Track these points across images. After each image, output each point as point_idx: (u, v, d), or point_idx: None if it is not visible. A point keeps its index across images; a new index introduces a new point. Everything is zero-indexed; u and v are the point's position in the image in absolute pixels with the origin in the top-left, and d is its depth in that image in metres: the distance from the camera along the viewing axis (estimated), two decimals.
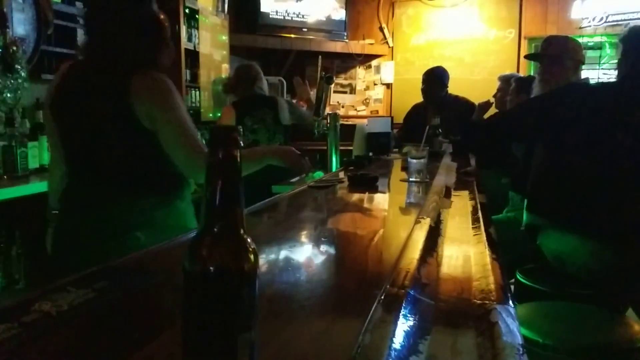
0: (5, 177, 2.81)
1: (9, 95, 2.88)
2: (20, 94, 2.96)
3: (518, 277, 2.41)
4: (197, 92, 4.72)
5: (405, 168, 2.60)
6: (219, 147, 0.54)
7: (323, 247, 1.30)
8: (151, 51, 1.75)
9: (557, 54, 2.94)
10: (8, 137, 2.86)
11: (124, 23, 1.71)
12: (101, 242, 1.64)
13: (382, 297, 0.90)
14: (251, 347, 0.55)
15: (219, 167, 0.54)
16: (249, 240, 0.56)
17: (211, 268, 0.53)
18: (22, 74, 2.97)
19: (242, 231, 0.55)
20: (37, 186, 2.82)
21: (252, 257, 0.55)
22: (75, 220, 1.75)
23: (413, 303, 0.90)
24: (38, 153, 3.04)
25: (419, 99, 4.74)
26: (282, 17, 6.28)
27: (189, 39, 4.50)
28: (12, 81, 2.90)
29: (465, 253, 1.27)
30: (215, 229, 0.54)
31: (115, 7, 1.73)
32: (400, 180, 2.56)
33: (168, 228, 1.65)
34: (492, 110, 4.36)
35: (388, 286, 0.96)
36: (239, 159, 0.55)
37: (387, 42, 6.68)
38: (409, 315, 0.85)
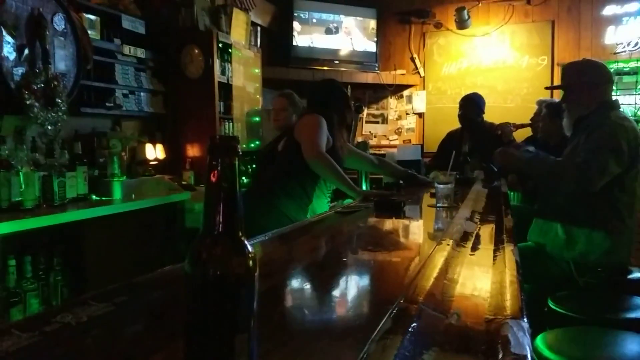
0: (44, 205, 2.91)
1: (49, 127, 3.01)
2: (60, 127, 3.09)
3: (550, 304, 2.36)
4: (231, 124, 4.83)
5: (433, 194, 2.60)
6: (219, 155, 0.57)
7: (342, 267, 1.32)
8: (340, 111, 2.99)
9: (569, 83, 2.91)
10: (47, 167, 2.97)
11: (328, 99, 2.99)
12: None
13: (394, 311, 0.90)
14: (249, 348, 0.57)
15: (218, 174, 0.57)
16: (247, 244, 0.58)
17: (209, 270, 0.55)
18: (62, 107, 3.11)
19: (240, 235, 0.58)
20: (74, 214, 2.92)
21: (249, 260, 0.57)
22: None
23: (424, 317, 0.91)
24: (76, 183, 3.15)
25: (452, 127, 4.75)
26: (314, 50, 6.40)
27: (222, 72, 4.63)
28: (52, 114, 3.03)
29: (484, 273, 1.27)
30: (214, 233, 0.57)
31: (334, 91, 3.06)
32: (428, 206, 2.55)
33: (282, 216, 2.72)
34: (527, 133, 4.33)
35: (401, 301, 0.97)
36: (237, 167, 0.58)
37: (418, 72, 6.72)
38: (418, 328, 0.86)
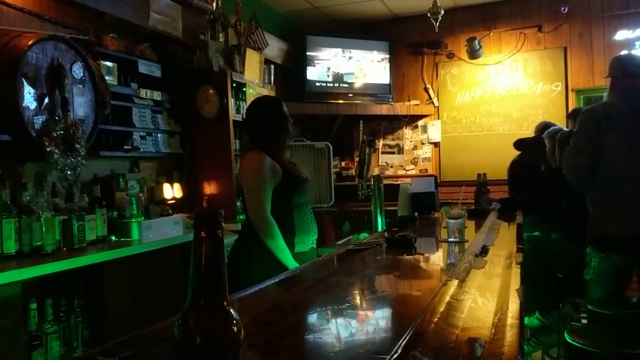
0: (64, 249, 2.98)
1: (69, 172, 3.10)
2: (80, 171, 3.17)
3: (567, 338, 2.34)
4: None
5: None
6: (203, 227, 0.61)
7: (341, 310, 1.34)
8: (278, 135, 2.71)
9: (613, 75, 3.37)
10: (67, 211, 3.04)
11: (267, 121, 2.71)
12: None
13: None
14: None
15: (203, 246, 0.61)
16: (232, 312, 0.62)
17: (195, 342, 0.59)
18: (82, 152, 3.20)
19: (225, 304, 0.61)
20: (94, 257, 2.98)
21: (234, 329, 0.61)
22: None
23: None
24: (95, 225, 3.22)
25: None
26: (328, 85, 6.49)
27: (237, 111, 4.71)
28: (72, 159, 3.11)
29: (487, 314, 1.28)
30: (201, 303, 0.60)
31: (264, 112, 2.74)
32: (440, 240, 2.57)
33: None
34: None
35: (399, 350, 0.99)
36: (221, 239, 0.61)
37: (432, 102, 6.76)
38: None
